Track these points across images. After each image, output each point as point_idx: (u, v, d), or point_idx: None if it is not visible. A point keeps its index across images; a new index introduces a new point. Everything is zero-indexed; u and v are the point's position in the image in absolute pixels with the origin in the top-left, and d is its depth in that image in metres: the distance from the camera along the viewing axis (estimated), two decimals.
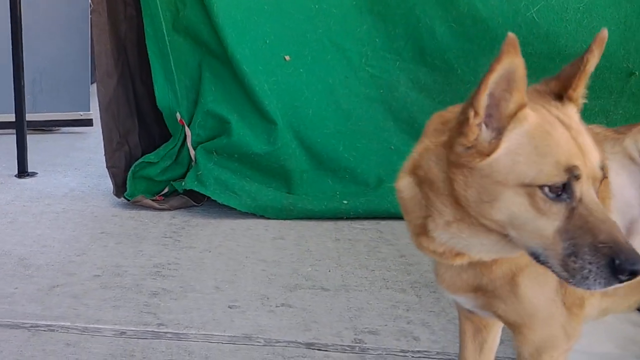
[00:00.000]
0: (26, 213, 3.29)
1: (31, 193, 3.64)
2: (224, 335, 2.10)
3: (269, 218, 3.30)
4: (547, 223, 1.09)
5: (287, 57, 3.47)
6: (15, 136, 4.03)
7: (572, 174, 1.08)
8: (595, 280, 1.07)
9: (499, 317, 1.35)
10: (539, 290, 1.28)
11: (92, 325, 2.15)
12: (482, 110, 1.12)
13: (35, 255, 2.73)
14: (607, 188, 1.29)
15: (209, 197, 3.40)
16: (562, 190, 1.09)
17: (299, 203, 3.32)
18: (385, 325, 2.19)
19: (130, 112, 3.61)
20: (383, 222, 3.24)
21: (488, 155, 1.12)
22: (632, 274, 1.06)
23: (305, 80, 3.49)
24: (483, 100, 1.11)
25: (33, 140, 4.33)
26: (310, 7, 3.48)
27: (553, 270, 1.11)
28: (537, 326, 1.31)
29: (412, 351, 2.03)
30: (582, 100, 1.21)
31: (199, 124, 3.43)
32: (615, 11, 3.27)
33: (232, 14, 3.36)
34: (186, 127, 3.45)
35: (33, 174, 4.01)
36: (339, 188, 3.42)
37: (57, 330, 2.11)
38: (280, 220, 3.27)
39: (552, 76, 1.23)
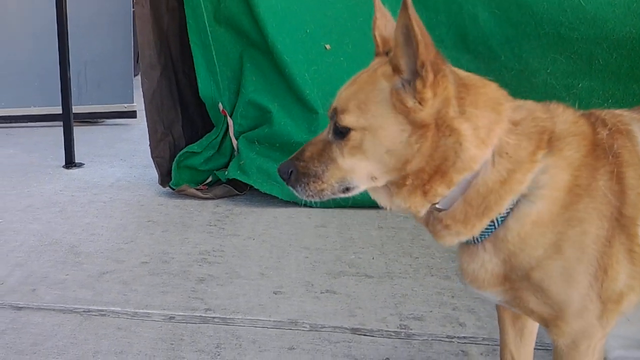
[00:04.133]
0: (75, 202, 3.38)
1: (79, 183, 3.73)
2: (270, 320, 2.13)
3: (311, 206, 3.31)
4: None
5: (328, 46, 3.47)
6: (62, 128, 4.13)
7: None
8: None
9: (532, 312, 1.33)
10: (567, 285, 1.25)
11: (141, 310, 2.20)
12: None
13: (85, 243, 2.80)
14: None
15: (251, 186, 3.43)
16: None
17: None
18: (431, 311, 2.19)
19: (173, 103, 3.67)
20: None
21: None
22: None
23: (346, 69, 3.47)
24: None
25: (79, 132, 4.44)
26: None
27: None
28: (570, 319, 1.29)
29: (458, 337, 2.03)
30: (393, 58, 1.25)
31: (240, 113, 3.47)
32: None
33: (273, 4, 3.37)
34: (228, 117, 3.48)
35: (80, 165, 4.11)
36: None
37: (108, 315, 2.17)
38: (323, 209, 3.29)
39: None
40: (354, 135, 1.27)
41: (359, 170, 1.29)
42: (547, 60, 3.19)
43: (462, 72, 1.30)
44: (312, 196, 1.34)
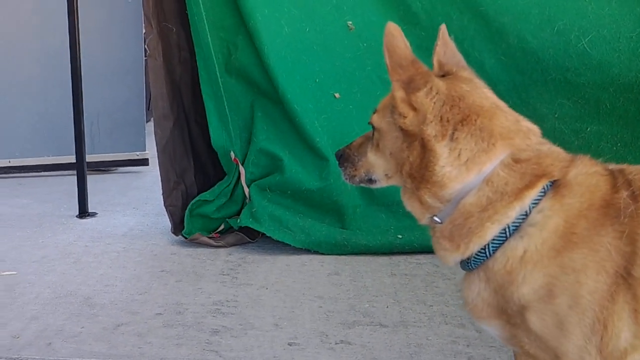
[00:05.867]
0: (88, 253, 3.40)
1: (92, 233, 3.76)
2: None
3: (323, 253, 3.32)
4: None
5: (337, 95, 3.53)
6: (75, 177, 4.17)
7: None
8: None
9: (532, 356, 1.33)
10: (560, 333, 1.26)
11: None
12: None
13: (100, 295, 2.81)
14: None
15: (263, 234, 3.45)
16: None
17: (353, 238, 3.34)
18: None
19: (185, 152, 3.72)
20: None
21: None
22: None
23: (356, 117, 3.52)
24: None
25: (92, 181, 4.48)
26: (358, 46, 3.53)
27: None
28: None
29: None
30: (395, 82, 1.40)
31: (252, 162, 3.51)
32: None
33: (282, 55, 3.44)
34: (240, 166, 3.52)
35: (93, 214, 4.14)
36: (393, 222, 3.42)
37: None
38: (335, 256, 3.30)
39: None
40: (375, 134, 1.49)
41: (377, 166, 1.49)
42: (555, 106, 3.24)
43: (481, 100, 1.40)
44: (347, 179, 1.58)
